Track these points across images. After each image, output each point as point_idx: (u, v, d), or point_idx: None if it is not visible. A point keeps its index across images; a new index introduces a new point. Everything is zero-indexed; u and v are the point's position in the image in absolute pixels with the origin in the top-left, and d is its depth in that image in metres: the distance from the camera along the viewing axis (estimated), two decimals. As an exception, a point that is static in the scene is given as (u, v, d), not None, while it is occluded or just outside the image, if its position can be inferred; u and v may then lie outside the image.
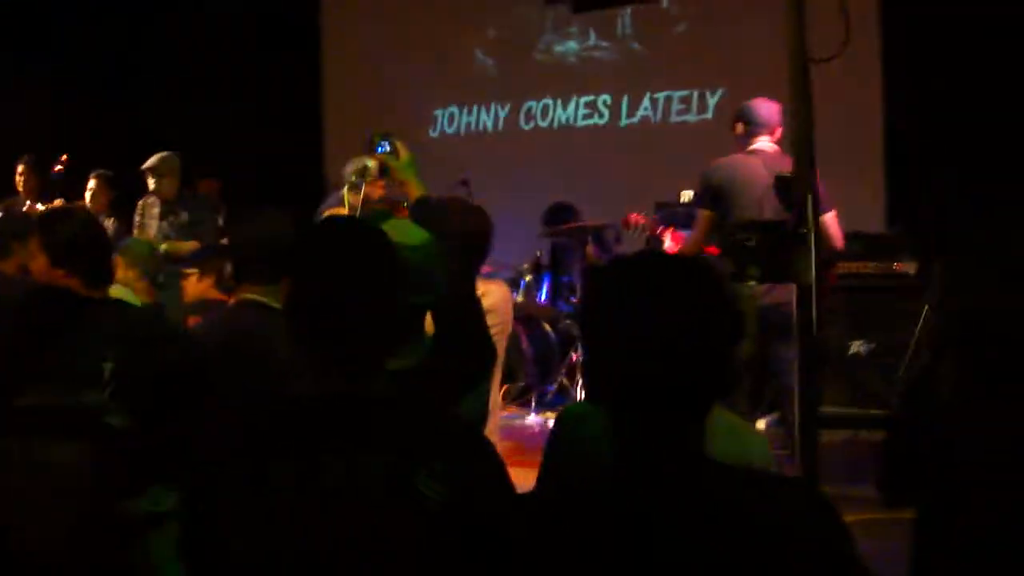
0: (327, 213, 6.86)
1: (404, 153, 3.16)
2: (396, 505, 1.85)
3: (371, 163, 7.16)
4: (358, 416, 1.94)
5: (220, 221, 8.10)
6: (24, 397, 2.97)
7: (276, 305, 2.95)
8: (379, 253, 2.10)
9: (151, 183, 7.51)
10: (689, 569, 1.59)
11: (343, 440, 1.91)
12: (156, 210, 7.43)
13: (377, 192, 4.10)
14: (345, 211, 5.63)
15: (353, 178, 7.07)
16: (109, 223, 7.44)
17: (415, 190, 3.05)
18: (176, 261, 6.09)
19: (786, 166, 5.54)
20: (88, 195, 7.86)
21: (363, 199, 6.85)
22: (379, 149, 3.21)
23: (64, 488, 2.72)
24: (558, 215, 8.41)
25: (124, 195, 7.86)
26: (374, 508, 1.85)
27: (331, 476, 1.87)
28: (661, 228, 6.59)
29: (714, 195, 5.59)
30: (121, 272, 5.03)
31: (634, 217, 6.74)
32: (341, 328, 2.00)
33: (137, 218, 7.46)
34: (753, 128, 5.58)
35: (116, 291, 4.41)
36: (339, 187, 7.13)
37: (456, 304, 2.77)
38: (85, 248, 3.34)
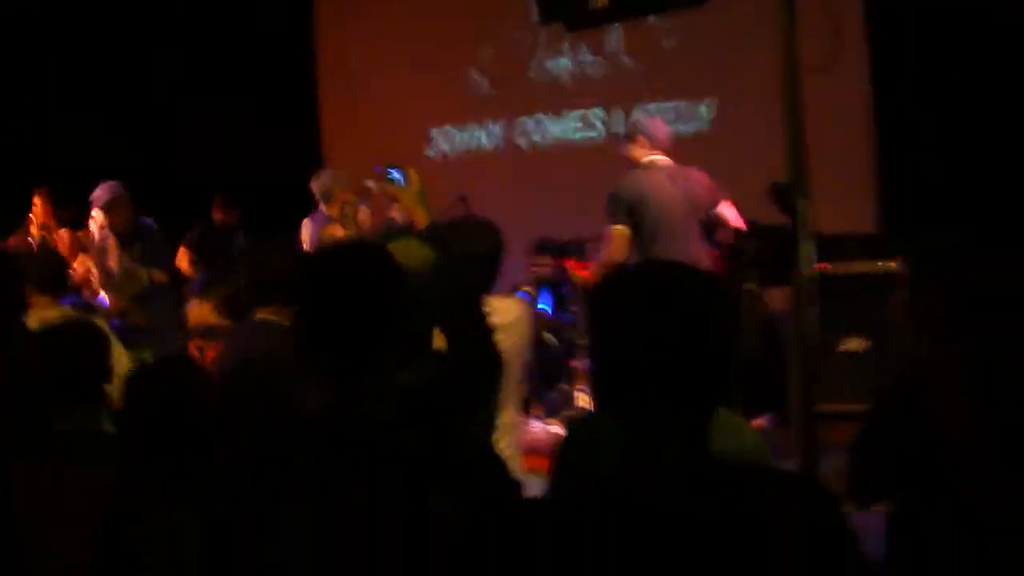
0: (328, 232, 6.89)
1: (414, 183, 3.18)
2: (409, 522, 1.85)
3: (370, 183, 7.18)
4: (369, 436, 1.93)
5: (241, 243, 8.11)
6: (60, 423, 3.00)
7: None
8: (382, 275, 2.10)
9: (100, 218, 7.43)
10: (700, 564, 1.60)
11: (356, 460, 1.90)
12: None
13: (392, 213, 4.11)
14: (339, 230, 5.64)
15: (347, 209, 7.10)
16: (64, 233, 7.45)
17: (422, 218, 3.06)
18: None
19: (691, 177, 6.06)
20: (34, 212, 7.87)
21: (361, 223, 6.87)
22: (390, 175, 3.23)
23: (84, 512, 2.71)
24: (544, 248, 8.42)
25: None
26: (388, 526, 1.85)
27: (346, 495, 1.87)
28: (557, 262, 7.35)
29: (628, 209, 5.87)
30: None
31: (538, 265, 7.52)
32: (348, 350, 2.00)
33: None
34: (651, 144, 6.03)
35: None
36: (324, 202, 7.18)
37: (463, 321, 2.77)
38: None
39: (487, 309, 3.15)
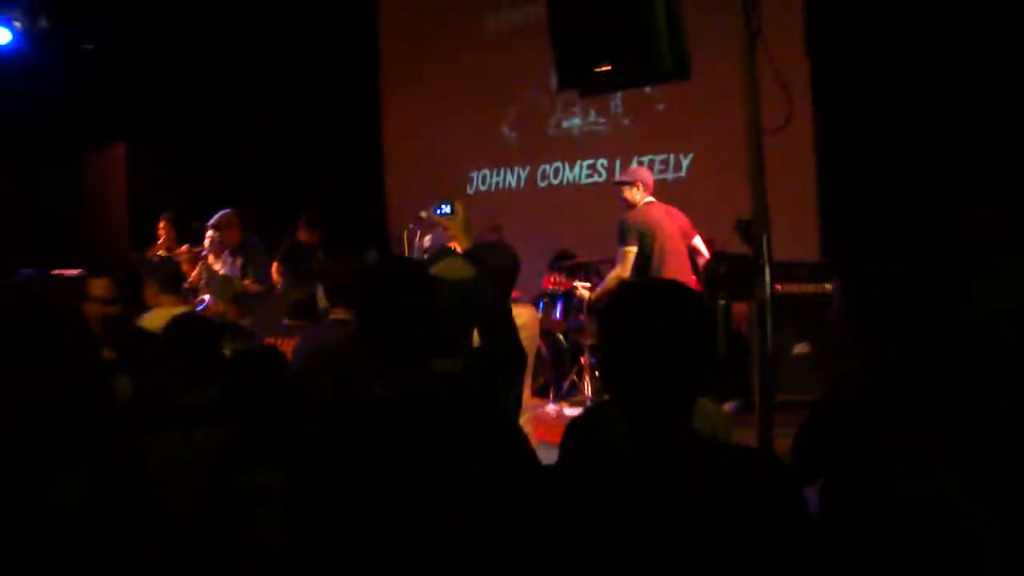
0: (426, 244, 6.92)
1: (459, 215, 3.19)
2: (451, 481, 1.86)
3: (423, 214, 7.21)
4: (416, 412, 1.96)
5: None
6: (184, 396, 3.03)
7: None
8: (418, 287, 2.13)
9: (214, 234, 7.57)
10: (687, 517, 1.63)
11: (406, 431, 1.92)
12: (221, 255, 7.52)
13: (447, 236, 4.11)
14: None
15: (411, 225, 7.15)
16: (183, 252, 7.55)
17: (462, 243, 3.07)
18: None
19: (677, 214, 6.41)
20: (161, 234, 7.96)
21: (420, 241, 6.89)
22: (437, 211, 3.26)
23: (200, 463, 2.74)
24: (561, 257, 8.48)
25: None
26: (434, 483, 1.86)
27: (398, 458, 1.89)
28: (567, 282, 7.38)
29: (638, 236, 6.19)
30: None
31: (552, 280, 7.51)
32: (394, 341, 2.04)
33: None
34: (645, 189, 6.36)
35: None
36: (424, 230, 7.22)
37: (495, 321, 2.79)
38: None
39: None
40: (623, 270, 6.22)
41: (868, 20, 6.92)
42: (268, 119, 10.94)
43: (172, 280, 5.09)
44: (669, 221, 6.35)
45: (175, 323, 3.32)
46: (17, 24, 9.76)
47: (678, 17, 3.18)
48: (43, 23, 9.83)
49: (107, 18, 10.31)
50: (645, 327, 1.72)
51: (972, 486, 1.87)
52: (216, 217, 7.61)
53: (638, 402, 1.74)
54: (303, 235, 8.20)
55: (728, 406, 5.61)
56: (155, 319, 4.31)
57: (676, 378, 1.71)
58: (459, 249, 3.12)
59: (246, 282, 7.14)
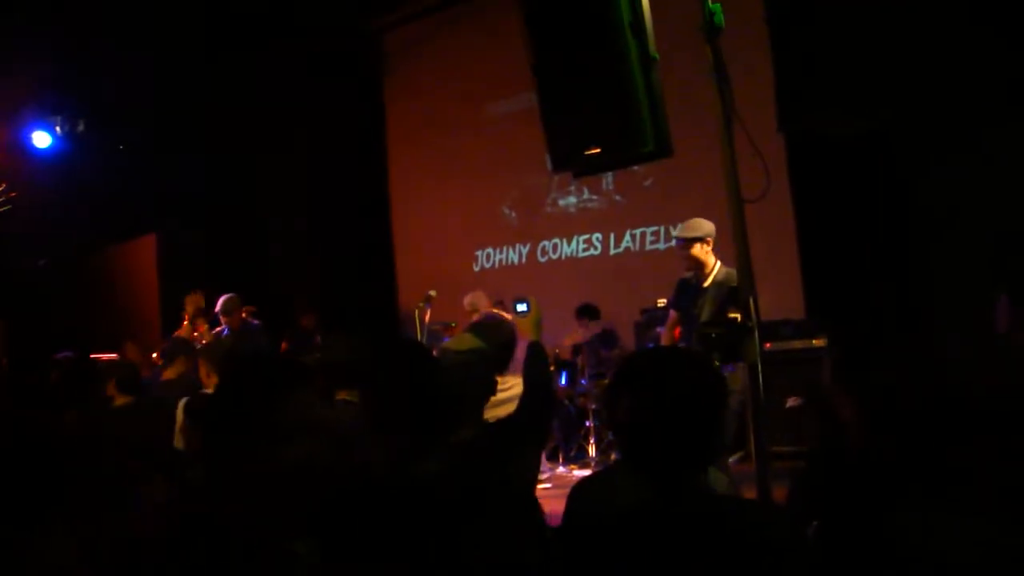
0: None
1: (534, 313, 3.15)
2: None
3: (432, 292, 7.19)
4: (417, 487, 1.91)
5: (318, 340, 8.17)
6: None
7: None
8: (415, 365, 2.10)
9: (222, 319, 7.75)
10: (698, 567, 1.61)
11: (408, 507, 1.88)
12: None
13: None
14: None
15: (422, 304, 7.14)
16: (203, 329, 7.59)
17: (531, 336, 3.00)
18: None
19: None
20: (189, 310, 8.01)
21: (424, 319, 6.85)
22: (516, 307, 3.23)
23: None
24: (587, 311, 8.42)
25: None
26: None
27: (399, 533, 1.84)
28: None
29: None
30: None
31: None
32: (404, 419, 2.00)
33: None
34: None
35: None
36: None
37: (537, 391, 2.71)
38: None
39: (510, 382, 3.14)
40: (668, 332, 5.69)
41: (833, 96, 7.01)
42: (287, 211, 11.06)
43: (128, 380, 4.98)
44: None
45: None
46: (58, 129, 9.99)
47: (660, 101, 3.20)
48: (81, 127, 10.05)
49: (139, 122, 10.50)
50: (648, 398, 1.68)
51: (969, 534, 1.82)
52: (221, 302, 7.73)
53: (647, 467, 1.69)
54: (304, 320, 8.30)
55: (732, 459, 5.51)
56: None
57: (682, 444, 1.67)
58: (528, 339, 3.02)
59: None
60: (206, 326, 7.80)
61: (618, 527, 1.70)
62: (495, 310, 6.78)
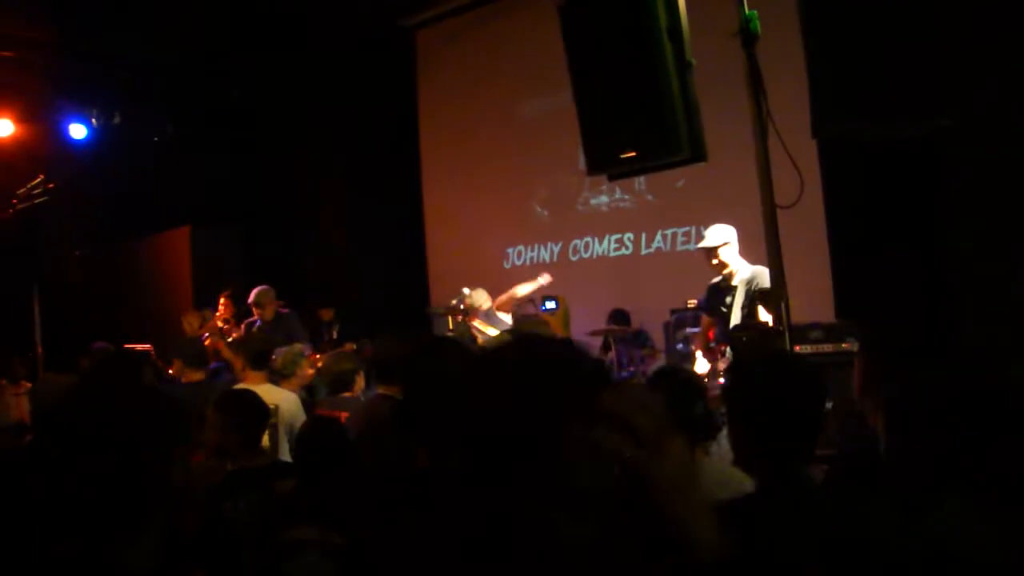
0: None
1: (563, 311, 3.21)
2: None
3: (466, 290, 7.25)
4: (447, 485, 1.96)
5: (335, 334, 8.23)
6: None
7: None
8: (463, 358, 2.15)
9: (255, 311, 7.79)
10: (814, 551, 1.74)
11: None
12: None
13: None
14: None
15: (453, 302, 7.20)
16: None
17: (562, 333, 3.05)
18: None
19: None
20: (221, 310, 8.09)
21: (459, 319, 6.91)
22: (545, 305, 3.28)
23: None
24: (618, 317, 8.44)
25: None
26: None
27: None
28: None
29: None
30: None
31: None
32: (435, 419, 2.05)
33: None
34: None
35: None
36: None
37: None
38: None
39: None
40: (702, 335, 5.94)
41: (867, 102, 6.97)
42: (321, 209, 11.18)
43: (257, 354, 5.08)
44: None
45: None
46: (93, 121, 10.13)
47: (695, 106, 3.24)
48: (116, 119, 10.19)
49: (174, 117, 10.65)
50: (767, 399, 1.83)
51: (1002, 536, 1.85)
52: (254, 294, 7.80)
53: (761, 462, 1.82)
54: (323, 312, 8.40)
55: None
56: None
57: (793, 439, 1.80)
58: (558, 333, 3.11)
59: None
60: (232, 322, 7.90)
61: (726, 514, 1.77)
62: (528, 310, 6.82)
